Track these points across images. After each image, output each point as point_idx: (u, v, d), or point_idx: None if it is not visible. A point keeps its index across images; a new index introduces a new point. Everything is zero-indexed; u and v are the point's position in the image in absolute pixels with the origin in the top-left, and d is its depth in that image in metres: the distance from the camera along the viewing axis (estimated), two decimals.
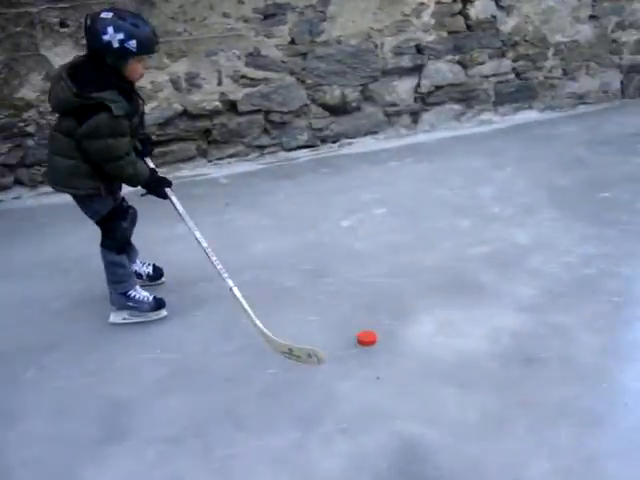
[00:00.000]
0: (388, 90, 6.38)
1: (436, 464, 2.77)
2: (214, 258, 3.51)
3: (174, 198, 3.58)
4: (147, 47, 3.26)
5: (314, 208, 5.00)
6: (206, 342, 3.58)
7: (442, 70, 6.51)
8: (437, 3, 6.34)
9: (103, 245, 3.65)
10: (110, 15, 3.19)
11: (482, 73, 6.71)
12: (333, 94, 6.18)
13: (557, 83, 7.24)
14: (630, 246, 4.41)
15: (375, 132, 6.45)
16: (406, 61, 6.37)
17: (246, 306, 3.39)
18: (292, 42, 5.88)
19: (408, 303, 3.83)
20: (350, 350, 3.46)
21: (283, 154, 6.14)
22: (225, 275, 3.47)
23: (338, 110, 6.26)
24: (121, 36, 3.15)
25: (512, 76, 6.92)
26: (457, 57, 6.54)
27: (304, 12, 5.88)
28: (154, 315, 3.77)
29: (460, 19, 6.50)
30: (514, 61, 6.87)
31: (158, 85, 5.62)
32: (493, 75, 6.79)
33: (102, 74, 3.24)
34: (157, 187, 3.56)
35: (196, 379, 3.31)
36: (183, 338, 3.62)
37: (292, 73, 5.99)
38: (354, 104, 6.29)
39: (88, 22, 3.23)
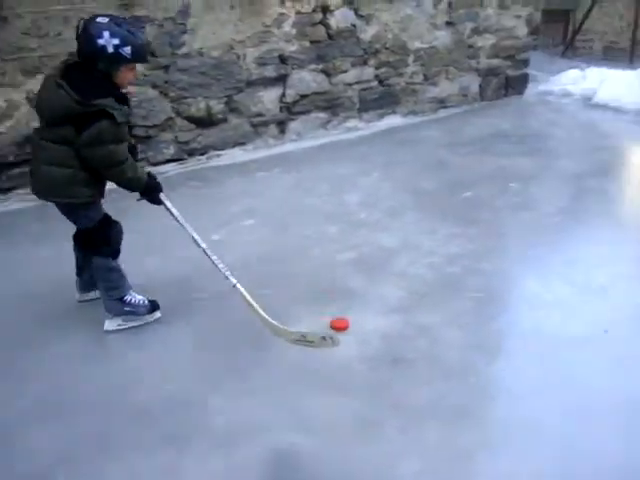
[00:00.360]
0: (253, 101, 6.38)
1: (312, 473, 2.78)
2: (214, 257, 3.58)
3: (168, 203, 3.57)
4: (141, 55, 3.29)
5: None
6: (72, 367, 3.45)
7: (306, 79, 6.57)
8: (297, 13, 6.40)
9: (98, 253, 3.57)
10: (106, 20, 3.18)
11: (345, 81, 6.83)
12: (198, 106, 6.12)
13: (418, 88, 7.46)
14: (491, 243, 4.59)
15: (243, 143, 6.43)
16: (270, 71, 6.39)
17: (252, 301, 3.50)
18: (152, 55, 5.78)
19: (279, 312, 3.81)
20: (220, 363, 3.42)
21: (150, 169, 6.00)
22: (227, 273, 3.55)
23: (204, 122, 6.20)
24: (116, 41, 3.15)
25: (375, 83, 7.08)
26: (320, 66, 6.62)
27: (164, 24, 5.79)
28: (150, 318, 3.75)
29: (321, 28, 6.59)
30: (376, 68, 7.03)
31: (14, 103, 5.39)
32: (356, 83, 6.91)
33: (97, 80, 3.22)
34: (152, 192, 3.52)
35: (64, 407, 3.18)
36: (51, 366, 3.47)
37: (154, 86, 5.89)
38: (220, 116, 6.25)
39: (81, 26, 3.18)
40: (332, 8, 6.58)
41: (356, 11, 6.75)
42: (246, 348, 3.52)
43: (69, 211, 3.49)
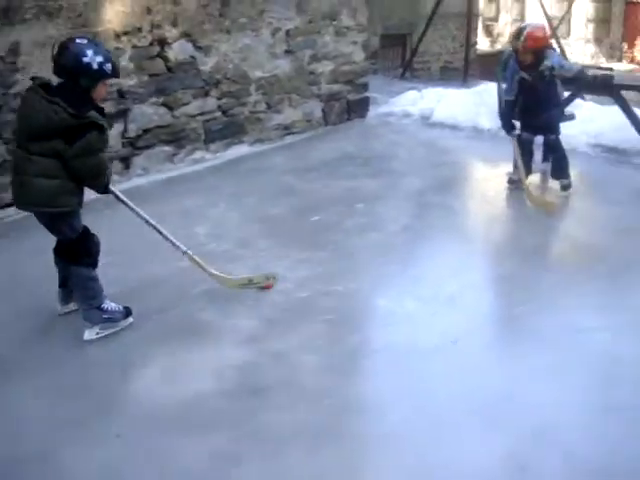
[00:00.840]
0: None
1: None
2: (165, 232, 4.11)
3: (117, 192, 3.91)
4: (117, 71, 3.66)
5: (19, 272, 4.67)
6: None
7: (148, 113, 6.47)
8: (134, 47, 6.30)
9: (79, 263, 3.76)
10: (86, 41, 3.52)
11: (188, 113, 6.78)
12: None
13: (263, 117, 7.52)
14: (341, 265, 4.67)
15: None
16: (109, 107, 6.22)
17: (200, 261, 4.17)
18: None
19: (131, 356, 3.71)
20: (80, 414, 3.27)
21: None
22: (177, 243, 4.12)
23: None
24: (100, 59, 3.47)
25: (219, 114, 7.07)
26: (161, 99, 6.54)
27: None
28: (124, 323, 3.95)
29: (159, 62, 6.51)
30: (219, 99, 7.03)
31: None
32: (200, 114, 6.88)
33: (81, 95, 3.49)
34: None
35: None
36: None
37: None
38: None
39: (61, 47, 3.46)
40: (169, 41, 6.52)
41: (194, 43, 6.73)
42: (95, 395, 3.39)
43: (54, 221, 3.68)
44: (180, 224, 5.30)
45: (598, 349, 3.72)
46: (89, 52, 3.43)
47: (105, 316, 3.86)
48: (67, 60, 3.45)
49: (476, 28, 19.09)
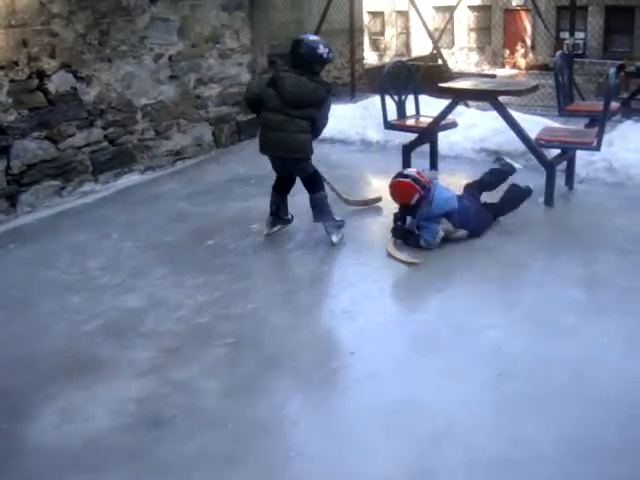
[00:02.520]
0: None
1: None
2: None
3: None
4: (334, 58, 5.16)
5: None
6: None
7: (31, 148, 6.30)
8: (11, 81, 6.13)
9: (318, 190, 5.25)
10: (317, 37, 5.21)
11: (74, 145, 6.64)
12: None
13: (152, 144, 7.45)
14: (238, 287, 4.67)
15: None
16: None
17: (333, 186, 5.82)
18: None
19: (26, 399, 3.60)
20: None
21: None
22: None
23: None
24: (327, 50, 4.91)
25: (106, 144, 6.96)
26: (44, 133, 6.38)
27: None
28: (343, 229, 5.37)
29: (39, 94, 6.36)
30: (104, 129, 6.92)
31: None
32: (86, 145, 6.75)
33: (317, 75, 4.97)
34: None
35: None
36: None
37: None
38: None
39: (298, 42, 4.91)
40: (48, 73, 6.38)
41: (75, 73, 6.60)
42: None
43: (301, 164, 5.17)
44: (72, 259, 5.21)
45: (491, 347, 3.84)
46: (321, 46, 4.85)
47: (339, 223, 5.27)
48: (305, 52, 4.86)
49: (362, 43, 19.49)
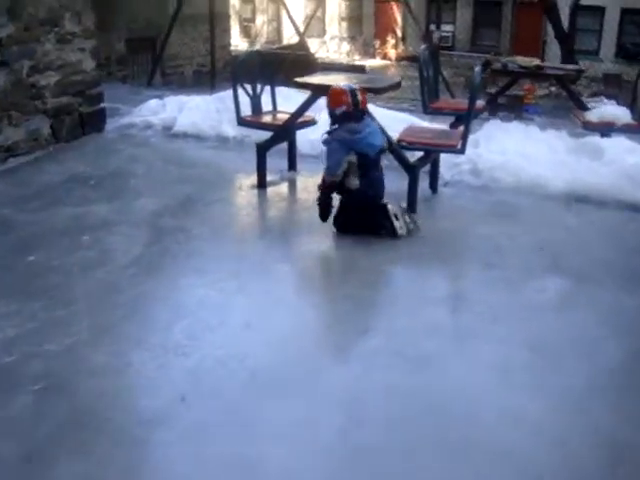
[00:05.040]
0: None
1: None
2: None
3: None
4: None
5: None
6: None
7: None
8: None
9: None
10: None
11: None
12: None
13: None
14: (57, 315, 3.99)
15: None
16: None
17: None
18: None
19: None
20: None
21: None
22: None
23: None
24: None
25: None
26: None
27: None
28: None
29: None
30: None
31: None
32: None
33: None
34: None
35: None
36: None
37: None
38: None
39: None
40: None
41: None
42: None
43: None
44: None
45: (342, 385, 3.39)
46: None
47: None
48: None
49: (229, 29, 18.77)
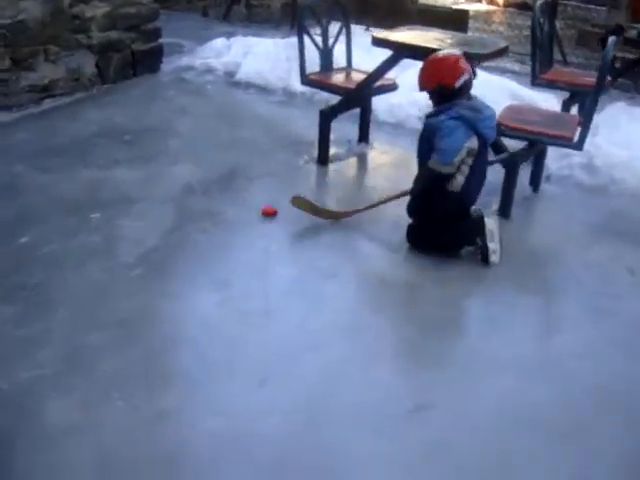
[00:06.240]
0: None
1: None
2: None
3: None
4: None
5: None
6: None
7: None
8: None
9: None
10: None
11: None
12: None
13: (7, 76, 5.69)
14: (24, 334, 3.08)
15: None
16: None
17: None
18: None
19: None
20: None
21: None
22: None
23: None
24: None
25: None
26: None
27: None
28: None
29: None
30: None
31: None
32: None
33: None
34: None
35: None
36: None
37: None
38: None
39: None
40: None
41: None
42: None
43: None
44: None
45: None
46: None
47: None
48: None
49: None
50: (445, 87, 3.71)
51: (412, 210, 3.86)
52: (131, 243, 3.81)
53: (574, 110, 5.30)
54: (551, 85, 5.21)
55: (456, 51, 3.90)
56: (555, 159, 4.87)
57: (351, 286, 3.58)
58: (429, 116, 3.83)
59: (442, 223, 3.74)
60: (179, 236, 3.91)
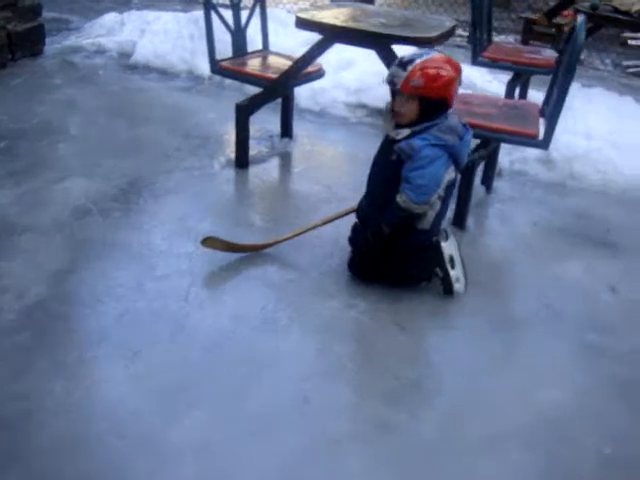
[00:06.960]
0: None
1: None
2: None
3: None
4: None
5: None
6: None
7: None
8: None
9: None
10: None
11: None
12: None
13: None
14: None
15: None
16: None
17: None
18: None
19: None
20: None
21: None
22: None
23: None
24: None
25: None
26: None
27: None
28: None
29: None
30: None
31: None
32: None
33: None
34: None
35: None
36: None
37: None
38: None
39: None
40: None
41: None
42: None
43: None
44: None
45: None
46: None
47: None
48: None
49: None
50: (444, 103, 2.90)
51: (359, 244, 3.18)
52: (10, 291, 3.01)
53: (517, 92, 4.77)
54: (494, 64, 4.62)
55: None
56: (506, 151, 4.30)
57: (293, 339, 2.89)
58: (398, 136, 2.92)
59: (397, 257, 3.09)
60: (73, 282, 3.13)
